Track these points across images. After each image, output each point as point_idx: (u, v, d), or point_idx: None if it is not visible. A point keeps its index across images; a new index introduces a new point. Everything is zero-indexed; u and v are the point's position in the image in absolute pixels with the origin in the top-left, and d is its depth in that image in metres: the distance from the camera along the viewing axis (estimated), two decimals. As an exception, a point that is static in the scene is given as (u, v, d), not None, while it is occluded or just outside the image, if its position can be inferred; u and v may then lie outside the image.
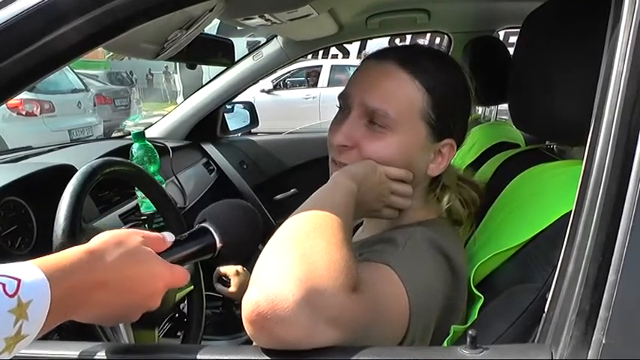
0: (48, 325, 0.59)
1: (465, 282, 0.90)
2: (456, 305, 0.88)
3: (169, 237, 0.82)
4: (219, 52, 1.88)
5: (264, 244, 0.77)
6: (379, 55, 0.97)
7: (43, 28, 0.73)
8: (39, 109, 7.80)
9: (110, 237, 0.72)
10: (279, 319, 0.63)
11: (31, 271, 0.59)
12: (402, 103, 0.91)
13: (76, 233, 1.01)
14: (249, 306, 0.65)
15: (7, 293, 0.55)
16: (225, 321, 1.85)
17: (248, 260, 1.54)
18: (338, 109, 1.00)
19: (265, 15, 1.59)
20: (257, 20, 1.65)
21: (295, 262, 0.67)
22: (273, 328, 0.63)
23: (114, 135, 8.68)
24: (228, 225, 0.89)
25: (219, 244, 0.87)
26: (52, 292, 0.59)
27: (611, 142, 0.64)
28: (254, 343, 0.69)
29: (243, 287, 1.57)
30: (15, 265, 0.59)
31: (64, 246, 0.99)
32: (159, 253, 0.77)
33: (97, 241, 0.71)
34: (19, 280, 0.57)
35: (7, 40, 0.72)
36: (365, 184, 0.88)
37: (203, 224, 0.89)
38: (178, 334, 1.61)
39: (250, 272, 1.60)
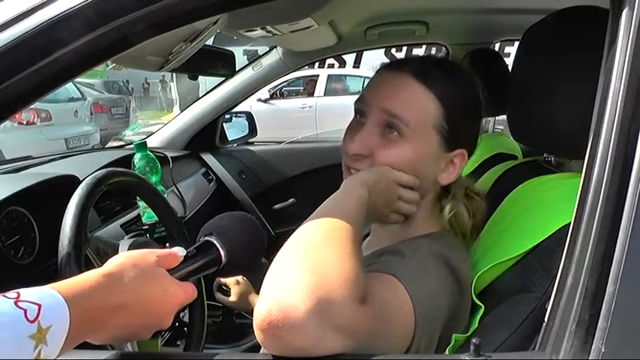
0: (65, 349, 0.60)
1: (468, 293, 0.91)
2: (459, 315, 0.89)
3: (181, 252, 0.82)
4: (220, 63, 1.90)
5: (267, 257, 0.78)
6: (395, 66, 0.99)
7: (53, 43, 0.74)
8: (36, 118, 7.79)
9: (126, 259, 0.73)
10: (290, 327, 0.64)
11: (51, 296, 0.60)
12: (418, 113, 0.93)
13: (82, 243, 1.02)
14: (261, 314, 0.66)
15: (28, 319, 0.56)
16: (226, 329, 1.86)
17: (251, 273, 1.55)
18: (354, 115, 1.02)
19: (267, 27, 1.61)
20: (259, 32, 1.66)
21: (306, 272, 0.68)
22: (284, 335, 0.65)
23: (111, 144, 8.66)
24: (233, 239, 0.89)
25: (224, 259, 0.88)
26: (71, 316, 0.60)
27: (609, 155, 0.66)
28: (262, 350, 0.71)
29: (243, 296, 1.58)
30: (35, 289, 0.60)
31: (69, 256, 1.00)
32: (168, 270, 0.78)
33: (113, 264, 0.72)
34: (39, 306, 0.58)
35: (20, 54, 0.74)
36: (375, 190, 0.90)
37: (208, 238, 0.89)
38: (178, 342, 1.61)
39: (251, 282, 1.61)
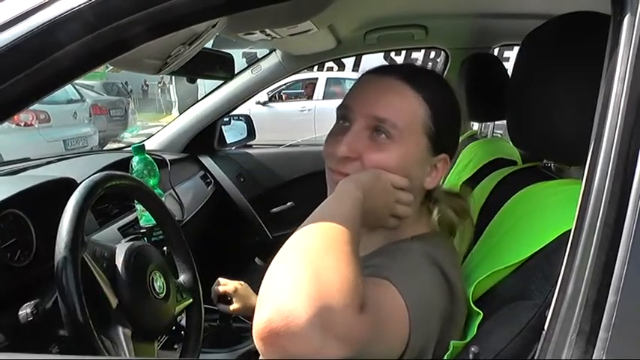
0: None
1: (461, 294, 0.90)
2: (454, 318, 0.88)
3: None
4: (219, 66, 1.89)
5: (264, 260, 0.77)
6: (380, 70, 0.99)
7: (51, 45, 0.74)
8: (35, 120, 7.79)
9: None
10: (290, 336, 0.63)
11: None
12: (407, 115, 0.93)
13: (78, 247, 1.01)
14: (261, 323, 0.65)
15: None
16: (223, 334, 1.85)
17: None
18: (336, 120, 1.01)
19: (266, 30, 1.61)
20: (257, 35, 1.66)
21: (307, 280, 0.67)
22: (284, 344, 0.64)
23: (110, 146, 8.67)
24: None
25: None
26: None
27: (610, 162, 0.65)
28: (260, 357, 0.70)
29: (244, 300, 1.54)
30: None
31: (65, 260, 1.00)
32: None
33: None
34: None
35: (18, 56, 0.73)
36: (371, 192, 0.88)
37: None
38: (175, 346, 1.60)
39: (251, 287, 1.59)
